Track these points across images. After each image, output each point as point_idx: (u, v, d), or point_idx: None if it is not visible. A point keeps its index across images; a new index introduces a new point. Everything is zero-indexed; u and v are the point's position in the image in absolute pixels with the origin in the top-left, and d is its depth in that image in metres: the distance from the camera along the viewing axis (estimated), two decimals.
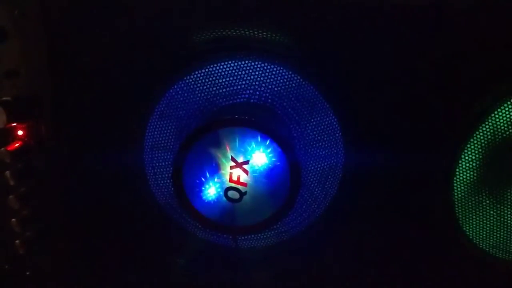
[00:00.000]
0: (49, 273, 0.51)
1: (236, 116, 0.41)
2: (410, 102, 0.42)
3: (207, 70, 0.43)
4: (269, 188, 0.43)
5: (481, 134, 0.41)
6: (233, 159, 0.42)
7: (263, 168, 0.43)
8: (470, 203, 0.44)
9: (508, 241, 0.44)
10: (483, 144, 0.42)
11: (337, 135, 0.44)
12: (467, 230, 0.45)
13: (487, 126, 0.41)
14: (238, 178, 0.43)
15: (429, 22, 0.39)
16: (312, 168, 0.44)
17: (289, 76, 0.42)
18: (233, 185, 0.43)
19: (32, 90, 0.43)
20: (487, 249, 0.45)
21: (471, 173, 0.43)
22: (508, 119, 0.40)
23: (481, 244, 0.45)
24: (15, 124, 0.44)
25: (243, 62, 0.42)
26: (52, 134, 0.45)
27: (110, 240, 0.50)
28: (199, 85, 0.43)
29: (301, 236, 0.49)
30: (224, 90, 0.43)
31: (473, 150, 0.42)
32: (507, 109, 0.40)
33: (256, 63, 0.42)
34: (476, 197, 0.43)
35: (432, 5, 0.38)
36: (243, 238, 0.49)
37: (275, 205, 0.44)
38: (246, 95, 0.43)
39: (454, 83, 0.41)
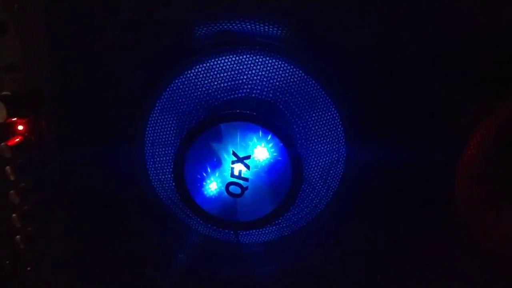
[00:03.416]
0: (50, 268, 0.51)
1: (238, 111, 0.41)
2: (412, 96, 0.42)
3: (208, 64, 0.43)
4: (270, 183, 0.43)
5: (484, 127, 0.41)
6: (234, 154, 0.42)
7: (264, 163, 0.43)
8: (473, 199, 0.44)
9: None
10: (485, 140, 0.42)
11: (338, 129, 0.44)
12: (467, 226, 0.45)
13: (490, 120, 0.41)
14: (240, 173, 0.43)
15: (431, 19, 0.39)
16: (314, 163, 0.44)
17: (291, 70, 0.42)
18: (234, 180, 0.43)
19: (32, 84, 0.43)
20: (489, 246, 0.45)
21: (474, 168, 0.42)
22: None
23: (483, 240, 0.45)
24: (15, 119, 0.44)
25: (244, 56, 0.42)
26: (52, 129, 0.45)
27: (111, 235, 0.50)
28: (200, 79, 0.43)
29: (302, 231, 0.49)
30: (225, 84, 0.42)
31: (475, 145, 0.42)
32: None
33: (258, 57, 0.42)
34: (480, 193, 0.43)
35: (434, 3, 0.38)
36: (244, 233, 0.49)
37: (276, 200, 0.44)
38: (248, 90, 0.43)
39: (456, 78, 0.41)
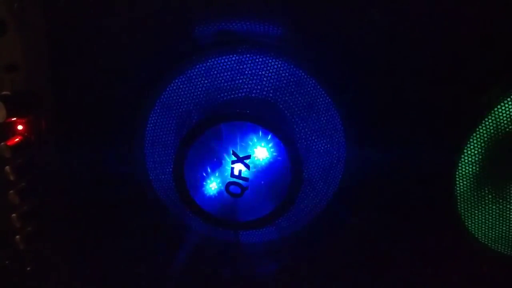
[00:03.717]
0: (50, 269, 0.51)
1: (238, 111, 0.41)
2: (412, 96, 0.42)
3: (208, 64, 0.42)
4: (270, 183, 0.43)
5: (483, 128, 0.41)
6: (234, 154, 0.42)
7: (264, 162, 0.43)
8: (472, 198, 0.44)
9: (510, 236, 0.44)
10: (485, 139, 0.41)
11: (338, 129, 0.44)
12: (469, 225, 0.45)
13: (489, 121, 0.41)
14: (240, 172, 0.43)
15: (431, 18, 0.39)
16: (314, 163, 0.44)
17: (291, 70, 0.42)
18: (234, 179, 0.43)
19: (32, 84, 0.43)
20: (489, 244, 0.45)
21: (474, 167, 0.42)
22: (510, 114, 0.40)
23: (482, 239, 0.45)
24: (15, 118, 0.43)
25: (244, 56, 0.42)
26: (52, 128, 0.45)
27: (111, 235, 0.50)
28: (200, 79, 0.43)
29: (302, 231, 0.48)
30: (225, 84, 0.42)
31: (475, 145, 0.42)
32: (509, 104, 0.40)
33: (258, 57, 0.42)
34: (478, 192, 0.43)
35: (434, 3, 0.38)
36: (244, 233, 0.49)
37: (276, 200, 0.44)
38: (248, 89, 0.43)
39: (456, 78, 0.41)
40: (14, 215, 0.45)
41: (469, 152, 0.42)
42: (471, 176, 0.43)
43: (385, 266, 0.48)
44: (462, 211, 0.44)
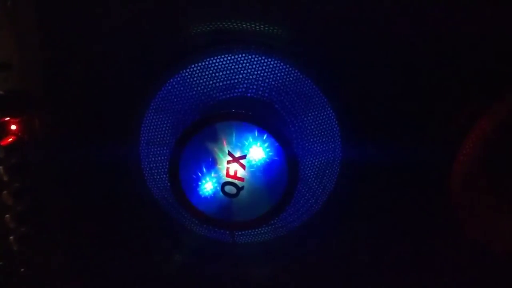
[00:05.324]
0: (44, 270, 0.50)
1: (233, 110, 0.41)
2: (408, 96, 0.42)
3: (204, 63, 0.42)
4: (266, 183, 0.43)
5: (480, 128, 0.41)
6: (230, 154, 0.42)
7: (260, 162, 0.42)
8: (470, 198, 0.44)
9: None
10: (481, 138, 0.42)
11: (334, 129, 0.44)
12: (467, 225, 0.45)
13: (485, 120, 0.41)
14: (235, 172, 0.42)
15: (429, 18, 0.39)
16: (310, 162, 0.44)
17: (287, 70, 0.42)
18: (230, 180, 0.42)
19: (25, 83, 0.42)
20: (487, 244, 0.45)
21: (471, 167, 0.42)
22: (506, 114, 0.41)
23: (482, 238, 0.45)
24: (8, 118, 0.43)
25: (240, 56, 0.42)
26: (45, 128, 0.44)
27: (106, 236, 0.50)
28: (195, 78, 0.43)
29: (298, 231, 0.48)
30: (221, 83, 0.42)
31: (471, 144, 0.42)
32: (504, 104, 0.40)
33: (254, 56, 0.42)
34: (476, 192, 0.43)
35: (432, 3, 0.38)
36: (240, 233, 0.49)
37: (272, 200, 0.43)
38: (243, 89, 0.42)
39: (452, 78, 0.41)
40: (7, 216, 0.45)
41: (465, 152, 0.42)
42: (468, 176, 0.43)
43: (381, 267, 0.48)
44: (460, 211, 0.44)
